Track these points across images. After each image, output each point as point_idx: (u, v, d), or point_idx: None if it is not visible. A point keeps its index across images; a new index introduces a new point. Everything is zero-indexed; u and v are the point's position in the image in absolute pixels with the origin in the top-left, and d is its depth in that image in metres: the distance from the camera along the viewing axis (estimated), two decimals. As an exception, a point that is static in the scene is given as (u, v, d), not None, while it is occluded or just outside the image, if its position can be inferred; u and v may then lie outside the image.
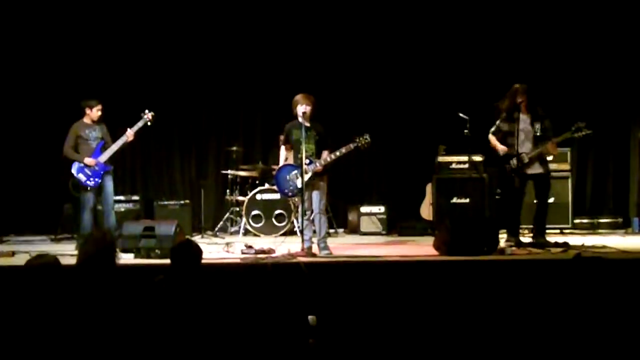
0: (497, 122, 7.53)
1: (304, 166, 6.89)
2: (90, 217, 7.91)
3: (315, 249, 7.02)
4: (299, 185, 6.98)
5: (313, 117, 7.19)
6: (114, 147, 7.95)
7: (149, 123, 8.10)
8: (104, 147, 7.97)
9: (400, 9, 10.23)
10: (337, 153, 7.10)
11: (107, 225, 7.91)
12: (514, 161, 7.28)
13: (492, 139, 7.53)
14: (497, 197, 8.32)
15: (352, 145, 7.08)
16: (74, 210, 8.62)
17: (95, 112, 7.99)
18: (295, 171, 7.11)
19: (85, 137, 7.95)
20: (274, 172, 9.33)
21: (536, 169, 7.39)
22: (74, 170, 7.84)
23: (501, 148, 7.39)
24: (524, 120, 7.35)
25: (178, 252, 4.46)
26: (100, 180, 7.88)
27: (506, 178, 7.49)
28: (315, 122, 7.24)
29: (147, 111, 8.09)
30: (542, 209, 7.51)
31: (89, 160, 7.83)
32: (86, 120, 8.02)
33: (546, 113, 7.55)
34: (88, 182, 7.82)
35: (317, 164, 7.03)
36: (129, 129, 7.94)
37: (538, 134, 7.35)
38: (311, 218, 7.15)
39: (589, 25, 9.96)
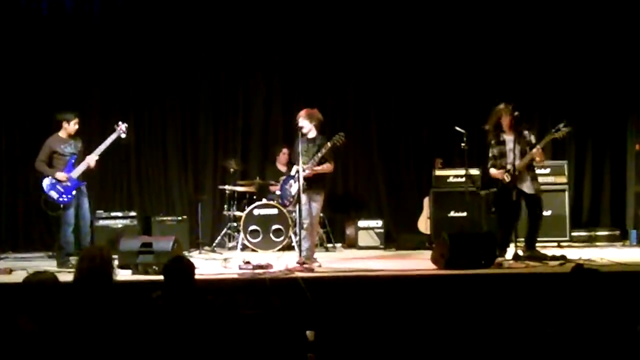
0: (489, 152, 7.60)
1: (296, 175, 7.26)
2: (72, 234, 7.75)
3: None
4: (293, 193, 7.41)
5: (320, 131, 7.52)
6: (85, 164, 7.76)
7: (122, 135, 7.95)
8: (76, 162, 7.78)
9: (397, 23, 10.28)
10: (319, 154, 7.28)
11: (83, 242, 7.75)
12: (506, 176, 7.33)
13: (494, 172, 7.55)
14: (491, 215, 8.28)
15: (329, 144, 7.27)
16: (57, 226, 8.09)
17: (72, 126, 7.82)
18: (291, 180, 7.50)
19: (61, 152, 7.76)
20: (270, 188, 9.41)
21: (527, 188, 7.40)
22: (45, 187, 7.65)
23: (503, 174, 7.40)
24: (510, 140, 7.42)
25: (169, 268, 4.46)
26: (72, 197, 7.69)
27: (501, 195, 7.50)
28: (323, 135, 7.50)
29: (119, 122, 7.97)
30: (532, 227, 7.52)
31: (60, 175, 7.65)
32: (62, 134, 7.84)
33: (529, 130, 7.62)
34: (61, 199, 7.64)
35: (307, 170, 7.23)
36: (92, 154, 7.77)
37: (527, 149, 7.41)
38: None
39: (584, 34, 10.03)
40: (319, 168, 7.30)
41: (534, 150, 7.31)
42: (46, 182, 7.68)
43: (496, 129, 7.46)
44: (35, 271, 4.23)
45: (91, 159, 7.78)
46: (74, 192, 7.72)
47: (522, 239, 7.56)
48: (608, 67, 9.98)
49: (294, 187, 7.44)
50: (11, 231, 10.00)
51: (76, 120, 7.88)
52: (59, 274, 4.26)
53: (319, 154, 7.25)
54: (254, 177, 9.84)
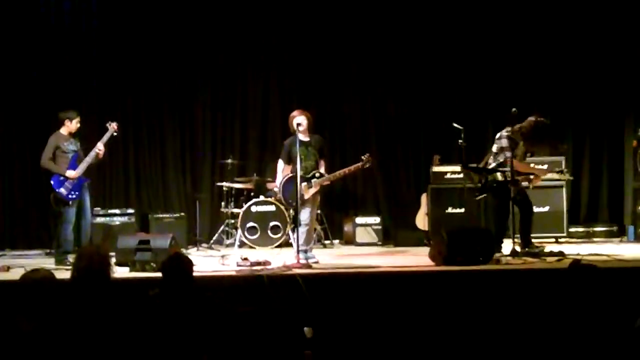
0: (509, 144, 7.41)
1: (312, 180, 7.45)
2: (72, 232, 7.77)
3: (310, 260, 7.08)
4: (305, 197, 7.43)
5: (312, 131, 7.60)
6: (88, 160, 7.82)
7: (114, 133, 8.03)
8: (78, 160, 7.81)
9: (395, 20, 10.27)
10: (346, 171, 7.65)
11: (84, 239, 7.81)
12: (498, 175, 7.34)
13: (521, 165, 7.46)
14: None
15: (360, 165, 7.63)
16: (56, 224, 8.15)
17: (74, 124, 7.87)
18: (305, 183, 7.46)
19: (64, 150, 7.80)
20: (268, 185, 9.38)
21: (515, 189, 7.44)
22: (54, 184, 7.68)
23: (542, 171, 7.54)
24: (520, 146, 7.45)
25: (168, 265, 4.46)
26: (80, 194, 7.76)
27: (498, 192, 7.48)
28: (316, 135, 7.66)
29: (110, 122, 8.04)
30: (524, 224, 7.53)
31: (71, 173, 7.69)
32: (63, 131, 7.87)
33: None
34: (70, 196, 7.67)
35: (325, 180, 7.54)
36: (99, 143, 7.85)
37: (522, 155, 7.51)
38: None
39: (582, 30, 10.03)
40: (338, 176, 7.70)
41: (538, 173, 7.58)
42: (55, 179, 7.72)
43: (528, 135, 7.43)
44: (33, 269, 4.22)
45: (100, 147, 7.83)
46: (80, 189, 7.78)
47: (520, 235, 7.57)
48: (606, 64, 9.97)
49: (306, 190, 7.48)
50: (9, 228, 9.97)
51: (78, 119, 7.94)
52: (56, 272, 4.25)
53: (350, 169, 7.67)
54: (251, 174, 9.82)
